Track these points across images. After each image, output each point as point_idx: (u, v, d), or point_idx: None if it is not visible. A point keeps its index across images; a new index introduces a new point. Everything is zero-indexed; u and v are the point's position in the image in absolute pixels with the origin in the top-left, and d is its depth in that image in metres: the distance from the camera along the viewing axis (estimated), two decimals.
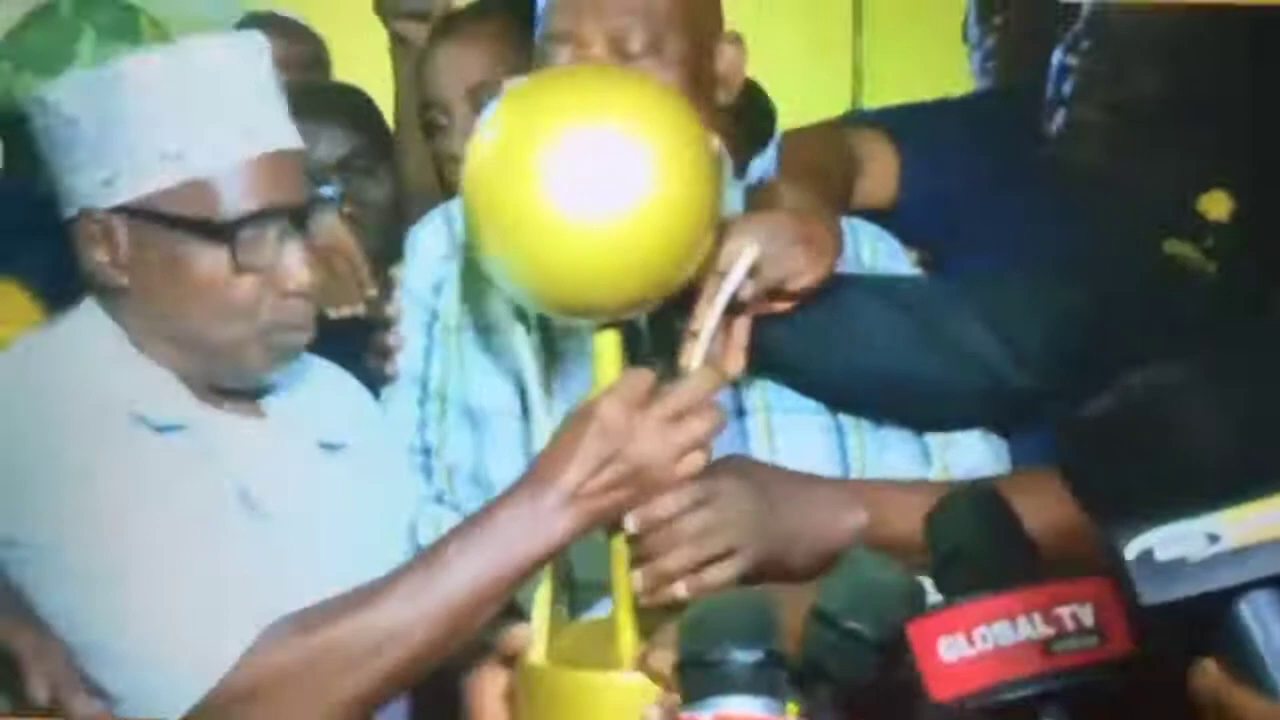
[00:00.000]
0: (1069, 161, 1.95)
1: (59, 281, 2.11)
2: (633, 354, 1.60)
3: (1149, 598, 1.11)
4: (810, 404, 1.75)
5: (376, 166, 2.51)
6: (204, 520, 1.55)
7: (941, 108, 2.24)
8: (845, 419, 1.75)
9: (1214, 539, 1.12)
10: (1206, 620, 1.12)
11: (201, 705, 1.47)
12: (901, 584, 1.36)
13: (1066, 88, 1.96)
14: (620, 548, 1.56)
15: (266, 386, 1.70)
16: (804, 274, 1.64)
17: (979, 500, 1.34)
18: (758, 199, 1.73)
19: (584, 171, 1.42)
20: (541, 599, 1.56)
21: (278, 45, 2.84)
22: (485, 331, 1.79)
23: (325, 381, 1.79)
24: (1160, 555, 1.12)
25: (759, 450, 1.72)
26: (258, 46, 1.66)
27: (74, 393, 1.56)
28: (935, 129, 2.10)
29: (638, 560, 1.55)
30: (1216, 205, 1.70)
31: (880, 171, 2.00)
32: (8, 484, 1.52)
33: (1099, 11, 1.96)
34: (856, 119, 1.99)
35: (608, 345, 1.52)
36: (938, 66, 2.78)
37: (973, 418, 1.81)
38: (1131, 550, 1.12)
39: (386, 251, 2.11)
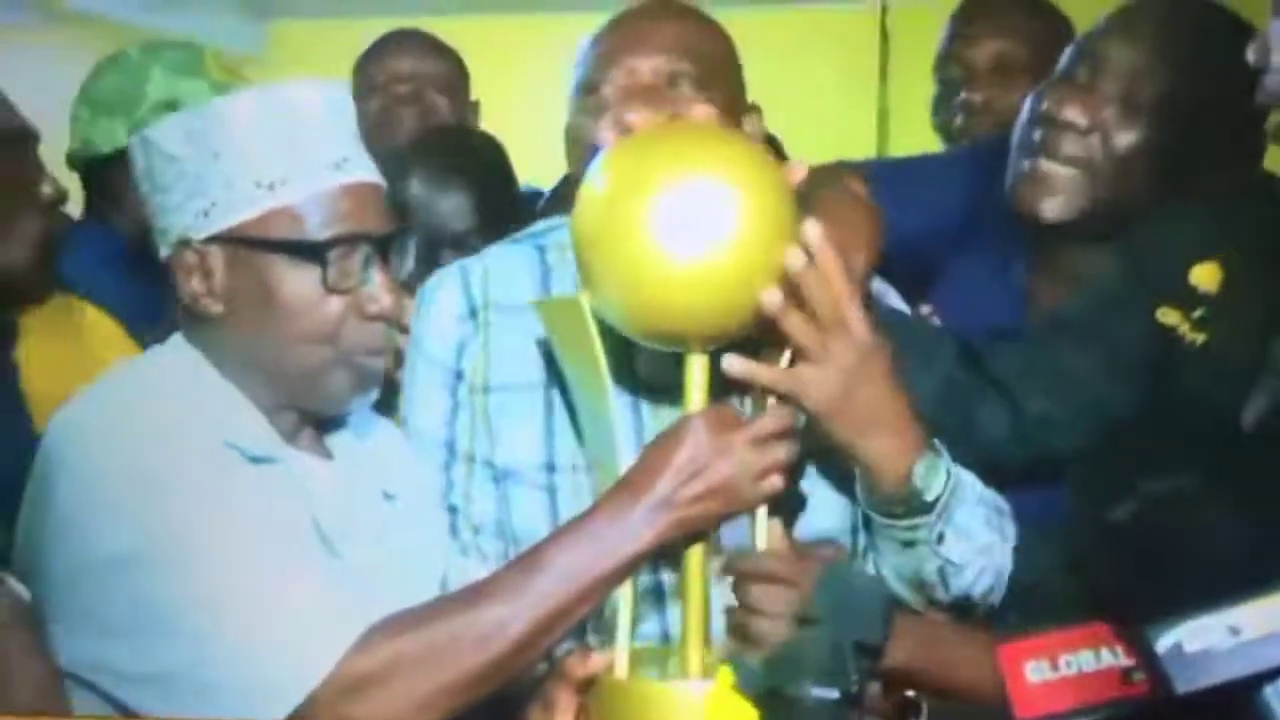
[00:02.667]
0: (1028, 214, 1.96)
1: (139, 315, 2.22)
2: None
3: (1181, 686, 1.22)
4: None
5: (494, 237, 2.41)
6: (293, 548, 1.63)
7: (916, 161, 2.30)
8: None
9: (1236, 631, 1.23)
10: (1236, 706, 1.23)
11: (310, 700, 1.51)
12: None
13: (1036, 135, 1.96)
14: (697, 559, 1.65)
15: (334, 428, 1.77)
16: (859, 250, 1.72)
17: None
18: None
19: (682, 215, 1.56)
20: (624, 617, 1.65)
21: (420, 61, 2.99)
22: (513, 391, 1.83)
23: (381, 432, 1.84)
24: (1188, 648, 1.23)
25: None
26: (343, 91, 1.76)
27: (170, 419, 1.61)
28: (905, 179, 2.14)
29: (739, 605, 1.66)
30: (1208, 276, 1.71)
31: (859, 220, 1.97)
32: (112, 501, 1.56)
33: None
34: (837, 166, 2.01)
35: (698, 370, 1.65)
36: None
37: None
38: (1162, 644, 1.23)
39: None
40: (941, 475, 1.70)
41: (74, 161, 2.54)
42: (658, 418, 1.77)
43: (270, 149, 1.63)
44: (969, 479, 1.75)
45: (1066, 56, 1.97)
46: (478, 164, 2.52)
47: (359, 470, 1.75)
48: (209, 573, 1.54)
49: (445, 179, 2.42)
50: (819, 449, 1.72)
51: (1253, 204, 1.71)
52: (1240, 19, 1.91)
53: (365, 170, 1.69)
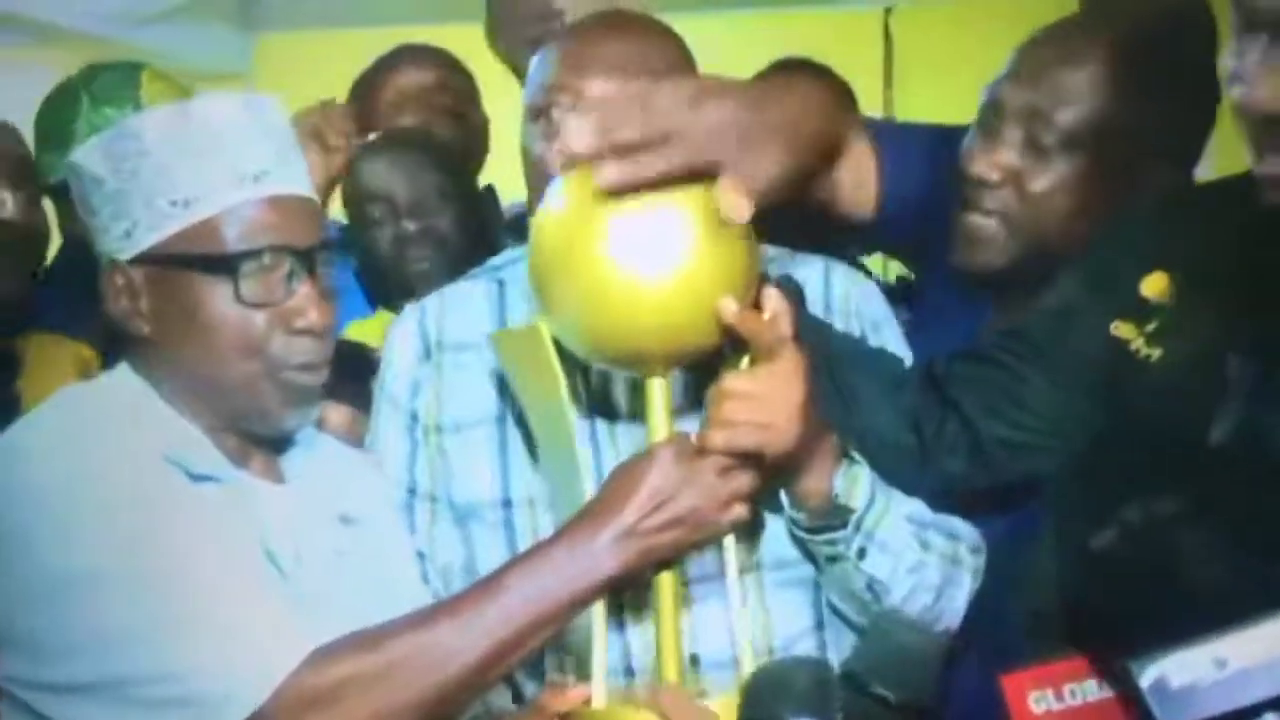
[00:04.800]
0: (964, 268, 1.91)
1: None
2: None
3: None
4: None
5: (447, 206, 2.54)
6: (236, 566, 1.60)
7: (923, 127, 2.24)
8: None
9: (1222, 664, 1.19)
10: None
11: (258, 716, 1.48)
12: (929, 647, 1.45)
13: (963, 191, 1.90)
14: (667, 586, 1.64)
15: (286, 445, 1.75)
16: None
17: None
18: None
19: (641, 235, 1.55)
20: (599, 646, 1.63)
21: (437, 74, 2.94)
22: (465, 429, 1.82)
23: (342, 457, 1.82)
24: (1174, 683, 1.19)
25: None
26: (269, 104, 1.73)
27: (110, 438, 1.60)
28: (915, 143, 2.07)
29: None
30: (1157, 286, 1.63)
31: (859, 168, 1.97)
32: (54, 520, 1.54)
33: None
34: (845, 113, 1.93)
35: (659, 394, 1.63)
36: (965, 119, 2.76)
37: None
38: (1146, 679, 1.20)
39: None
40: (863, 485, 1.69)
41: (43, 191, 2.55)
42: (615, 446, 1.76)
43: (183, 165, 1.61)
44: (899, 497, 1.74)
45: (979, 108, 1.92)
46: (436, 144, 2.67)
47: (313, 493, 1.73)
48: (150, 590, 1.52)
49: (404, 152, 2.56)
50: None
51: (1205, 208, 1.63)
52: (1162, 26, 1.86)
53: (289, 182, 1.66)
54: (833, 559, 1.71)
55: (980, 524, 1.81)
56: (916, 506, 1.76)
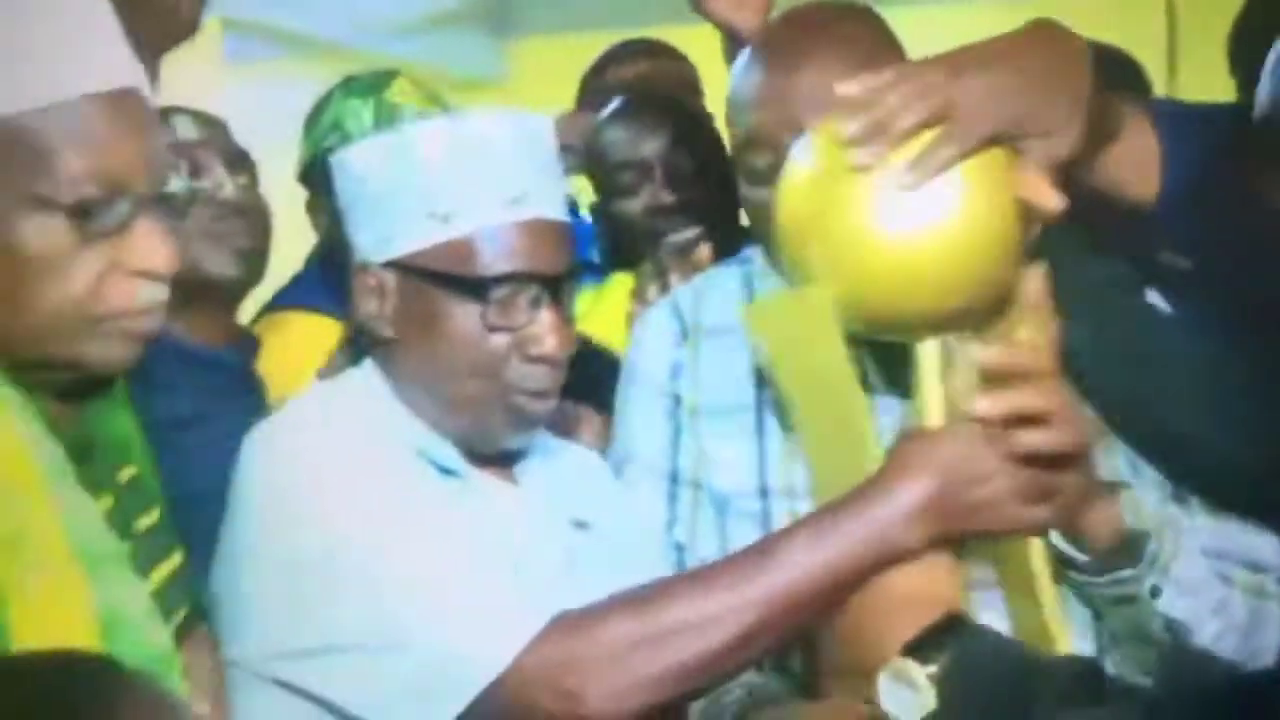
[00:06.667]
0: None
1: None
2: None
3: None
4: None
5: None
6: (484, 555, 1.58)
7: (1211, 107, 2.03)
8: None
9: None
10: None
11: (517, 669, 1.46)
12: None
13: None
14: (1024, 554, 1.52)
15: (518, 456, 1.72)
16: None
17: None
18: None
19: (897, 201, 1.44)
20: None
21: (653, 63, 2.99)
22: (724, 414, 1.78)
23: (574, 460, 1.81)
24: None
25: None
26: (540, 124, 1.71)
27: (369, 430, 1.62)
28: (1202, 124, 1.85)
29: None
30: None
31: (1139, 152, 1.76)
32: (303, 512, 1.55)
33: None
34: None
35: (929, 358, 1.50)
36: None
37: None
38: None
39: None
40: (1148, 512, 1.55)
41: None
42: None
43: (448, 180, 1.62)
44: (1184, 520, 1.59)
45: None
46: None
47: (546, 497, 1.71)
48: (400, 579, 1.51)
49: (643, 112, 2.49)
50: None
51: None
52: None
53: (545, 207, 1.64)
54: (1120, 600, 1.55)
55: None
56: (1207, 532, 1.60)
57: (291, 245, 2.52)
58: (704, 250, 2.30)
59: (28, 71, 1.28)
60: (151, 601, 1.38)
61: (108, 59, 1.34)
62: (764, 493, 1.73)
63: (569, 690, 1.46)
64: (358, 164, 1.66)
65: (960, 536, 1.48)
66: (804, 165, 1.50)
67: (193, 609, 1.51)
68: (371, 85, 2.50)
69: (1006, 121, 1.44)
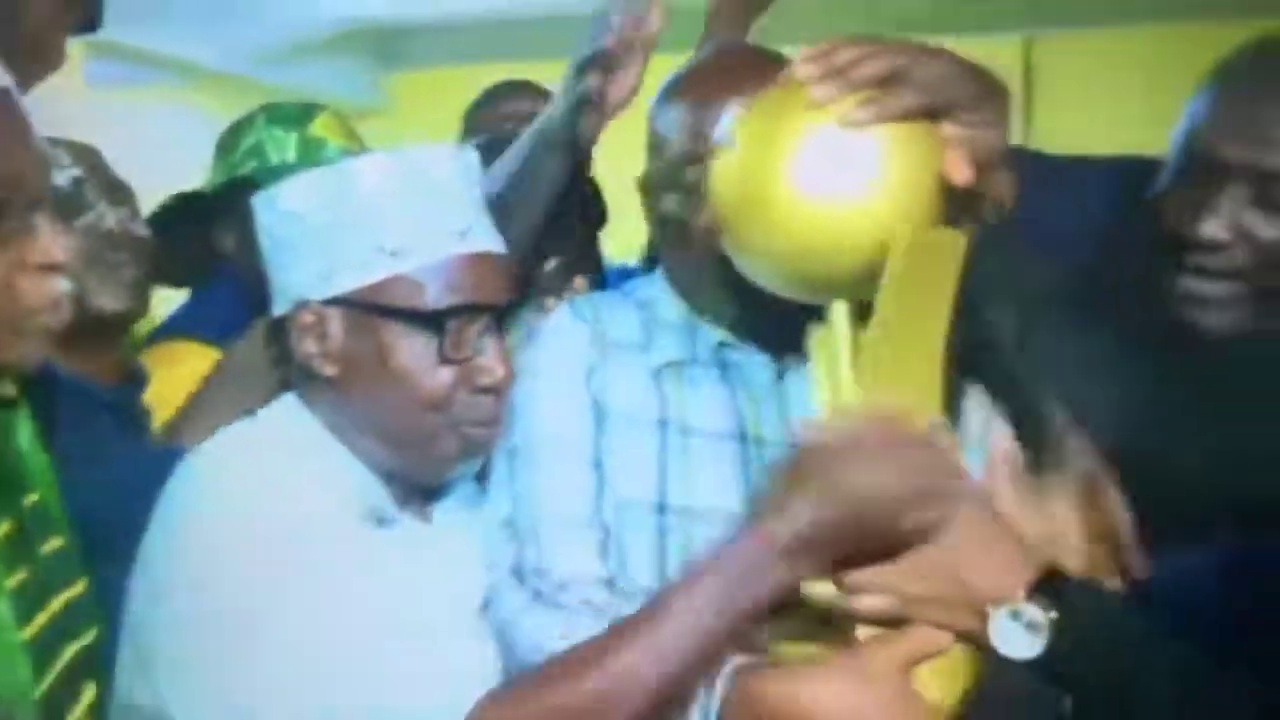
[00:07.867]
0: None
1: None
2: None
3: None
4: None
5: None
6: (411, 610, 1.58)
7: (1067, 159, 2.15)
8: None
9: None
10: None
11: None
12: None
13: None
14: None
15: (440, 494, 1.73)
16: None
17: None
18: None
19: (823, 160, 1.52)
20: None
21: (532, 104, 2.87)
22: (631, 423, 1.76)
23: (482, 497, 1.78)
24: None
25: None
26: (473, 159, 1.72)
27: (295, 478, 1.59)
28: (1055, 173, 1.95)
29: None
30: None
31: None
32: (225, 563, 1.52)
33: None
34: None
35: (842, 316, 1.57)
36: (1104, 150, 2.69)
37: None
38: None
39: None
40: None
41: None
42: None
43: (397, 214, 1.61)
44: None
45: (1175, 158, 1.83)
46: None
47: (459, 535, 1.71)
48: (332, 626, 1.49)
49: None
50: None
51: None
52: None
53: (487, 240, 1.66)
54: None
55: None
56: None
57: None
58: (579, 281, 2.35)
59: None
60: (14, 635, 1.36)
61: None
62: (661, 509, 1.73)
63: None
64: (291, 200, 1.63)
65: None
66: (735, 142, 1.57)
67: (97, 639, 1.50)
68: (296, 117, 2.46)
69: (951, 100, 1.53)
